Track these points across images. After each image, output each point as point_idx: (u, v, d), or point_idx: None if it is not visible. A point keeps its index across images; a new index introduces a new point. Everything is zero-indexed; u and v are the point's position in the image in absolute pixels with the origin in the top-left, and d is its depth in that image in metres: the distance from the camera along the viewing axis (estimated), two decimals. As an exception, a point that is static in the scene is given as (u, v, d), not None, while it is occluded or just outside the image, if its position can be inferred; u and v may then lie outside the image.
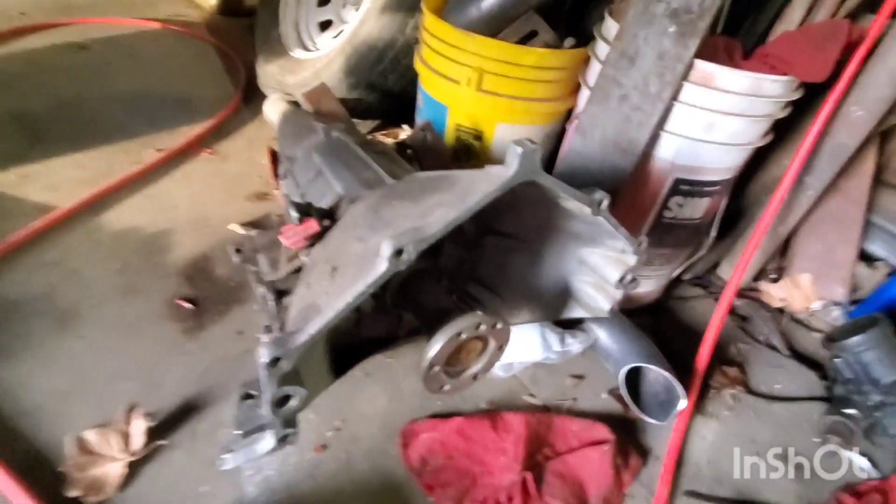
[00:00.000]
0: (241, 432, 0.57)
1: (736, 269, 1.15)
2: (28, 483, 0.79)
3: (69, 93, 1.70)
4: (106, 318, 1.06)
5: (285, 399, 0.58)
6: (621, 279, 0.82)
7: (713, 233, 1.21)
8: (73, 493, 0.79)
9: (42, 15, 2.13)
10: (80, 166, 1.43)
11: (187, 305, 1.12)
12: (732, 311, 1.34)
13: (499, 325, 0.67)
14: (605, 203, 0.68)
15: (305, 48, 1.79)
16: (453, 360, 0.69)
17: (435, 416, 1.00)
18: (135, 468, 0.84)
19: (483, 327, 0.64)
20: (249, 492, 0.85)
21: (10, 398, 0.90)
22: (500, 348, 0.71)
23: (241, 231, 1.32)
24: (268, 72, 1.76)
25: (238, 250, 1.02)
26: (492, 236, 0.93)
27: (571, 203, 0.68)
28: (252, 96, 1.83)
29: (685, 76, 0.95)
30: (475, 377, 0.73)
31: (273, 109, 1.57)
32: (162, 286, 1.14)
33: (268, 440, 0.60)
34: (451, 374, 0.68)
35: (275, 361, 0.53)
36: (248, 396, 0.58)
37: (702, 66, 0.94)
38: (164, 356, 1.02)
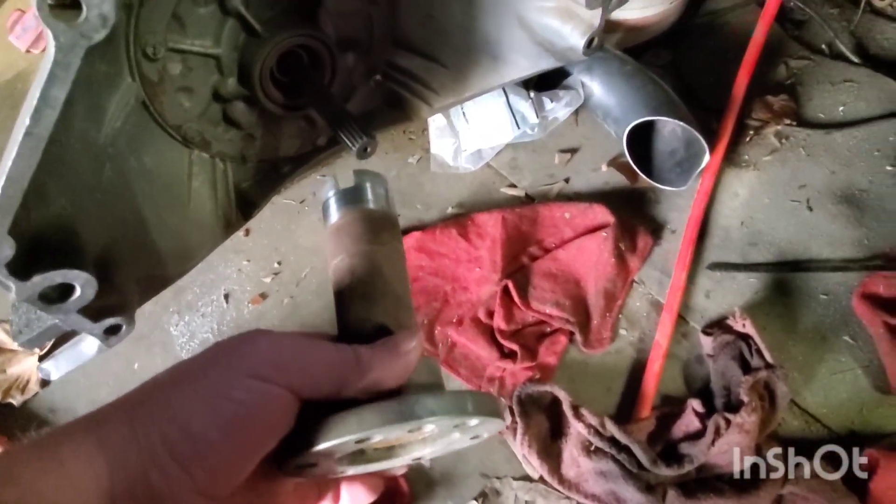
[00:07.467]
0: (23, 340, 0.40)
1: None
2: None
3: None
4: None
5: (64, 290, 0.39)
6: (595, -12, 0.50)
7: None
8: (-5, 397, 0.71)
9: None
10: None
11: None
12: (784, 17, 0.98)
13: (472, 422, 0.29)
14: None
15: None
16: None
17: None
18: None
19: (430, 426, 0.28)
20: (189, 359, 0.74)
21: None
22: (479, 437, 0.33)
23: None
24: None
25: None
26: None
27: None
28: None
29: None
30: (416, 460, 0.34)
31: None
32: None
33: (89, 342, 0.43)
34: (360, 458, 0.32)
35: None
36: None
37: None
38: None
